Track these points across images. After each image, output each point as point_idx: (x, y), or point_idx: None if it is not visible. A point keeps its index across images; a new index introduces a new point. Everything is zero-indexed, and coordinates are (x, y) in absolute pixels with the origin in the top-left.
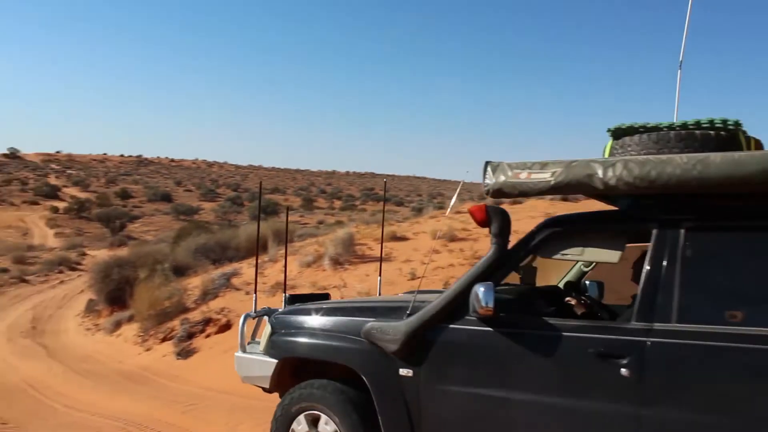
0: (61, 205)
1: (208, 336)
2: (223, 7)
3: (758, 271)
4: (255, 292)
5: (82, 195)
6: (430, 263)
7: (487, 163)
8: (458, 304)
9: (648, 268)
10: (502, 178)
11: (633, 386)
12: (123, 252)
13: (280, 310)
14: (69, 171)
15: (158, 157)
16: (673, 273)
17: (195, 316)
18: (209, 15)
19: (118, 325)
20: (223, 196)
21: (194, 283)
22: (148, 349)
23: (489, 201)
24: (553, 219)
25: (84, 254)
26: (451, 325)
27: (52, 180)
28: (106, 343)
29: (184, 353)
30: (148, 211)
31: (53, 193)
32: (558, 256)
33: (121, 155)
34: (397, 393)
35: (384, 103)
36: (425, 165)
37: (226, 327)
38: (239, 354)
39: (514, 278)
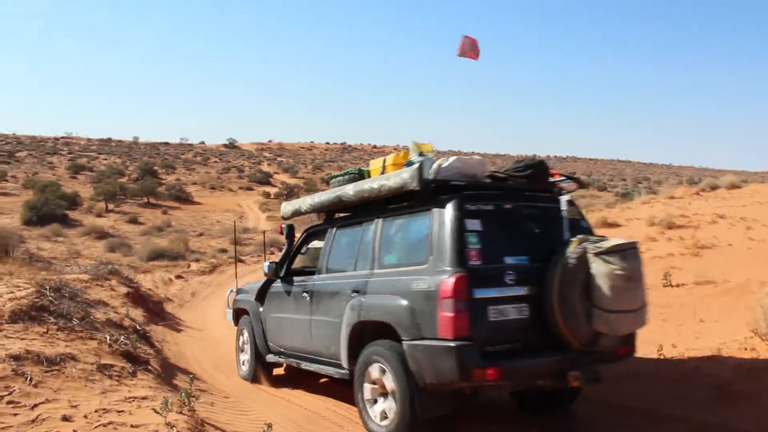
0: (272, 190)
1: None
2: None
3: (347, 245)
4: (236, 277)
5: (291, 181)
6: (646, 252)
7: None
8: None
9: (322, 248)
10: (289, 208)
11: (309, 305)
12: None
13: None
14: (279, 158)
15: (361, 144)
16: (327, 250)
17: None
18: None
19: None
20: None
21: None
22: None
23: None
24: (308, 228)
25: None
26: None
27: (265, 167)
28: None
29: None
30: None
31: (266, 179)
32: (312, 245)
33: (327, 143)
34: (258, 318)
35: (586, 83)
36: (630, 147)
37: None
38: (227, 310)
39: None
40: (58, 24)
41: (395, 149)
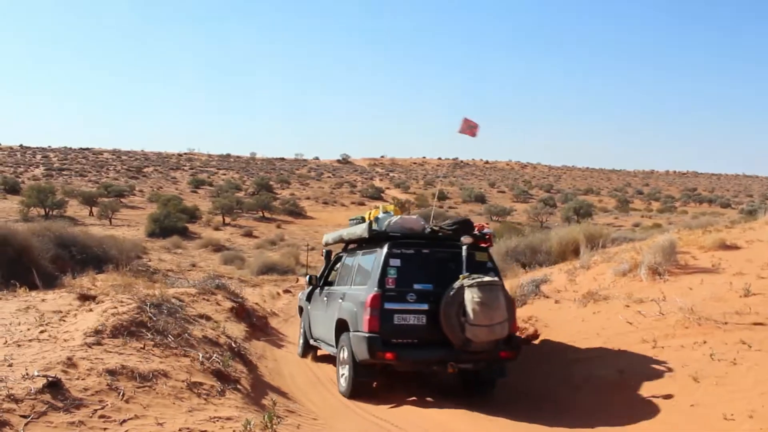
0: (388, 206)
1: None
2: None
3: (345, 267)
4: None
5: (403, 196)
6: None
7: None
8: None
9: (338, 268)
10: (325, 238)
11: (325, 306)
12: None
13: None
14: (392, 174)
15: (473, 160)
16: (338, 269)
17: None
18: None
19: None
20: (536, 198)
21: None
22: None
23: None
24: (336, 254)
25: None
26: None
27: (377, 182)
28: None
29: None
30: (463, 212)
31: (378, 195)
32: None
33: (439, 158)
34: (306, 313)
35: (705, 95)
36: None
37: (534, 336)
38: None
39: None
40: (184, 50)
41: (507, 165)
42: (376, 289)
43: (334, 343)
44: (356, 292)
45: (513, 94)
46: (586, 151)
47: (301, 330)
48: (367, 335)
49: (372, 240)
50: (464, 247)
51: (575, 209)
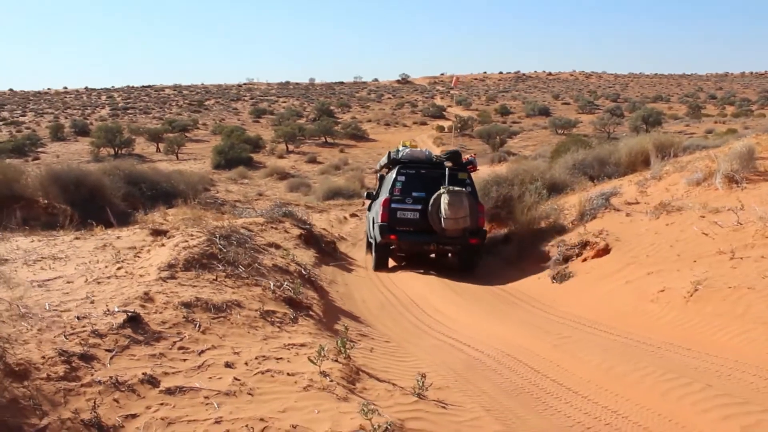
0: (446, 124)
1: (584, 260)
2: None
3: (384, 182)
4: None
5: (465, 113)
6: None
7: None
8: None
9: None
10: (378, 165)
11: (370, 211)
12: (501, 168)
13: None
14: (452, 91)
15: (535, 72)
16: (380, 185)
17: (571, 237)
18: None
19: (495, 244)
20: (602, 108)
21: (571, 202)
22: (521, 270)
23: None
24: (380, 175)
25: None
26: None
27: (438, 101)
28: (483, 261)
29: (560, 277)
30: (526, 126)
31: (439, 113)
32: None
33: (500, 72)
34: (367, 218)
35: None
36: None
37: (605, 251)
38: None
39: None
40: None
41: (571, 75)
42: (387, 195)
43: (372, 236)
44: (380, 198)
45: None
46: (654, 57)
47: (365, 232)
48: (380, 224)
49: (392, 164)
50: (446, 170)
51: (644, 118)
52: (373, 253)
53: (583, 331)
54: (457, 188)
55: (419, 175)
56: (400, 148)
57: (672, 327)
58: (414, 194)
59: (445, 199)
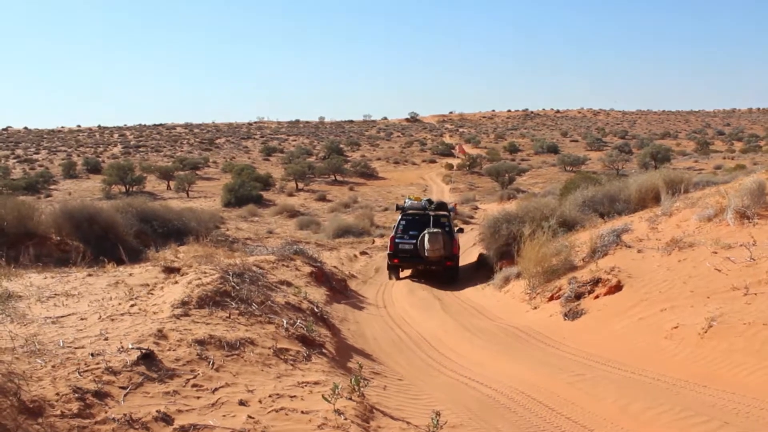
0: (455, 161)
1: (596, 297)
2: None
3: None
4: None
5: (474, 151)
6: None
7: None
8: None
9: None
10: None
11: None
12: (510, 206)
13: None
14: (461, 129)
15: (543, 110)
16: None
17: (583, 274)
18: None
19: (506, 281)
20: (610, 145)
21: (582, 239)
22: (535, 308)
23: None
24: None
25: (476, 208)
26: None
27: (447, 139)
28: (495, 299)
29: (572, 314)
30: (535, 164)
31: (448, 151)
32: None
33: (508, 110)
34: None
35: None
36: None
37: (617, 288)
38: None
39: None
40: (246, 28)
41: (579, 113)
42: (393, 233)
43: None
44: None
45: (583, 38)
46: (662, 94)
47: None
48: (389, 253)
49: (400, 210)
50: (431, 215)
51: (652, 154)
52: (388, 272)
53: (597, 369)
54: (435, 230)
55: (414, 219)
56: (406, 200)
57: (687, 363)
58: (410, 233)
59: (426, 237)
